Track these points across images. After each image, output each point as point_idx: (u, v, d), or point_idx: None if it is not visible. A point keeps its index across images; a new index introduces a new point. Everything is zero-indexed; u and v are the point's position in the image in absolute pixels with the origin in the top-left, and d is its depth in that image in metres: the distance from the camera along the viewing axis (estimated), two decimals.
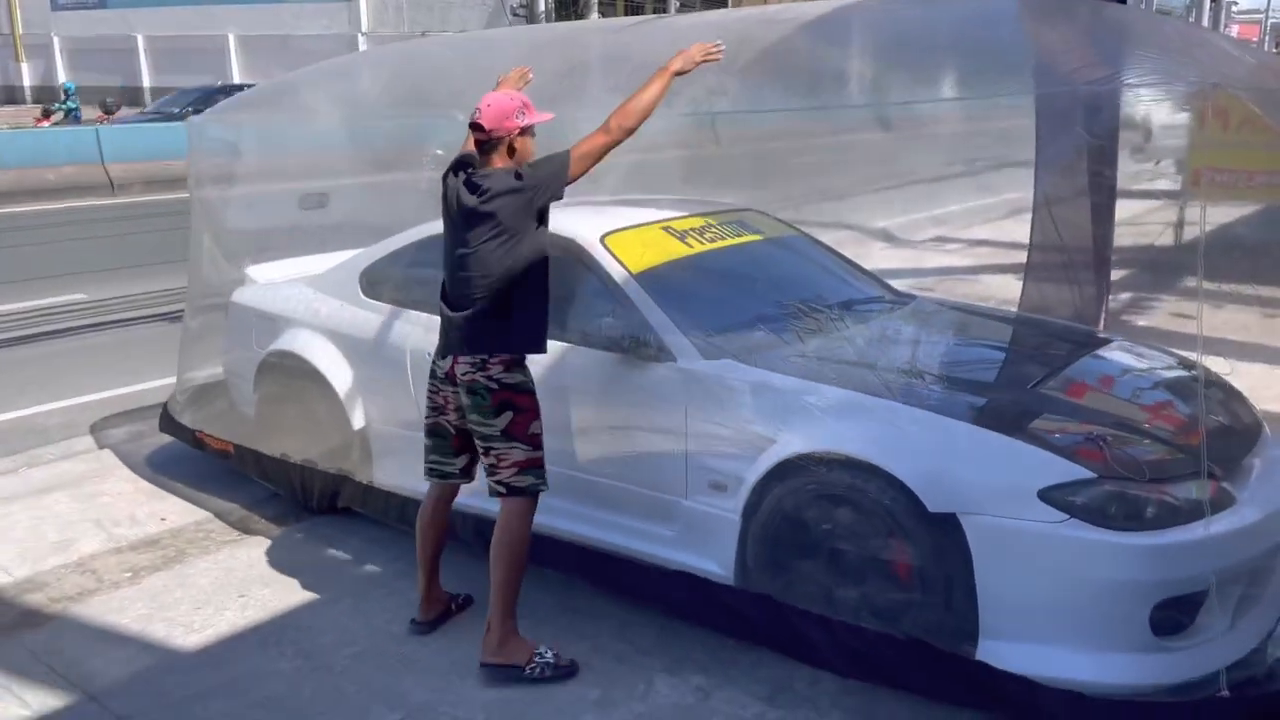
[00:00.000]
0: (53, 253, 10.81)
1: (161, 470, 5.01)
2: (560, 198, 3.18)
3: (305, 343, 4.42)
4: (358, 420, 4.27)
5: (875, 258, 10.77)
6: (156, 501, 4.66)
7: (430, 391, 3.34)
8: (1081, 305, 4.62)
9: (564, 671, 3.18)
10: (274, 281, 4.89)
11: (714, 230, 4.10)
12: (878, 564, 3.01)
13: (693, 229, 4.04)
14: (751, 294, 3.92)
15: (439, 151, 4.27)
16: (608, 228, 3.82)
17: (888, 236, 10.08)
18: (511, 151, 3.15)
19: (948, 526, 2.87)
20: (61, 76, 33.18)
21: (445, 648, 3.37)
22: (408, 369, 4.08)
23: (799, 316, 3.79)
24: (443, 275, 3.30)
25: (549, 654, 3.19)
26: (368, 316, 4.28)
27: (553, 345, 3.41)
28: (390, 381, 4.16)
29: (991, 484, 2.88)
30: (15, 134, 14.97)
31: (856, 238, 10.99)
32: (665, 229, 3.99)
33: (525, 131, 3.16)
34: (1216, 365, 3.69)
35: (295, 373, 4.43)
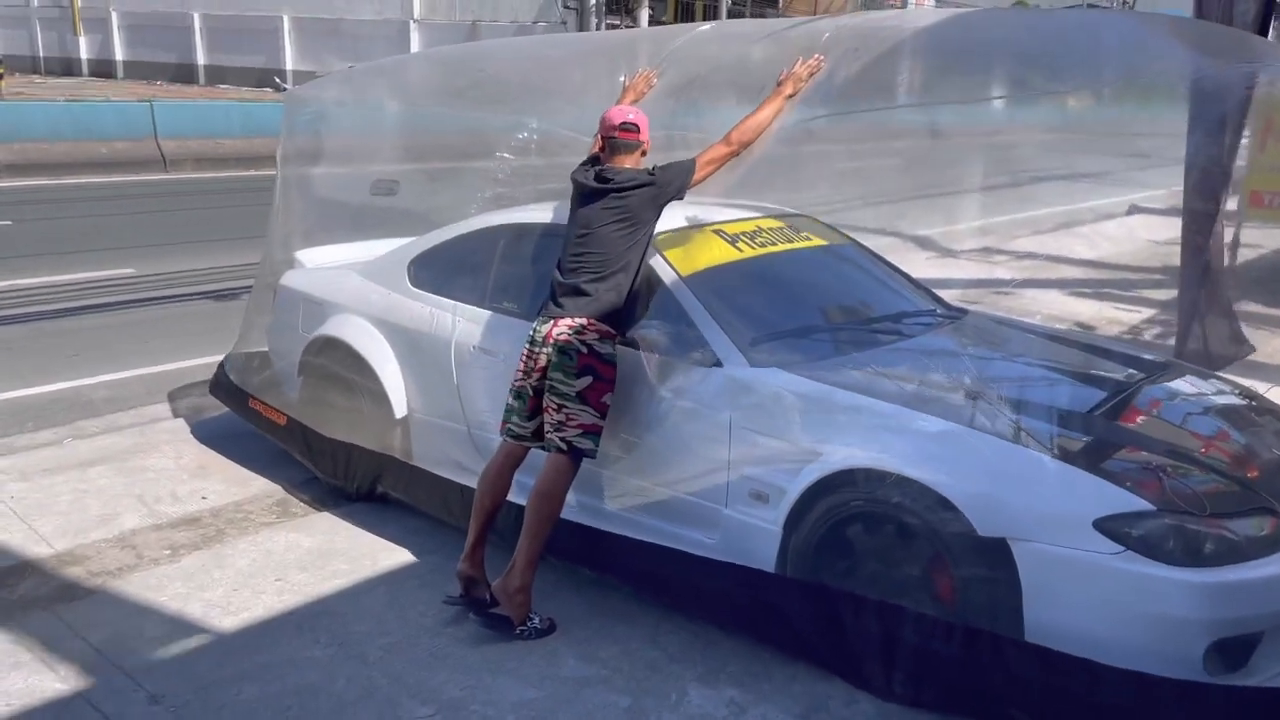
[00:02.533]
0: (104, 226, 10.97)
1: (205, 447, 5.04)
2: (681, 198, 3.55)
3: (352, 329, 4.42)
4: (400, 409, 4.26)
5: (918, 267, 10.66)
6: (198, 479, 4.69)
7: (524, 356, 3.51)
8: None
9: (546, 632, 3.40)
10: (323, 266, 4.91)
11: (766, 235, 4.05)
12: (922, 586, 2.95)
13: (744, 233, 3.99)
14: (802, 302, 3.88)
15: (507, 155, 4.33)
16: (661, 229, 3.78)
17: (931, 245, 9.98)
18: (630, 159, 3.55)
19: (998, 552, 2.80)
20: (118, 52, 33.70)
21: (477, 643, 3.35)
22: (451, 361, 4.08)
23: (849, 327, 3.74)
24: (558, 255, 3.57)
25: (537, 621, 3.39)
26: (414, 306, 4.28)
27: None
28: (434, 372, 4.16)
29: (1045, 511, 2.81)
30: (70, 105, 15.17)
31: (899, 244, 10.89)
32: (717, 232, 3.94)
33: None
34: (1276, 395, 3.60)
35: (340, 358, 4.44)
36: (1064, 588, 2.76)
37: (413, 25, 28.10)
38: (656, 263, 3.67)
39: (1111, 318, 7.96)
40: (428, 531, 4.09)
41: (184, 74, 31.52)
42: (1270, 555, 2.75)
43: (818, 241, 4.27)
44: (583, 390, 3.36)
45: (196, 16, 31.72)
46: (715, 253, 3.83)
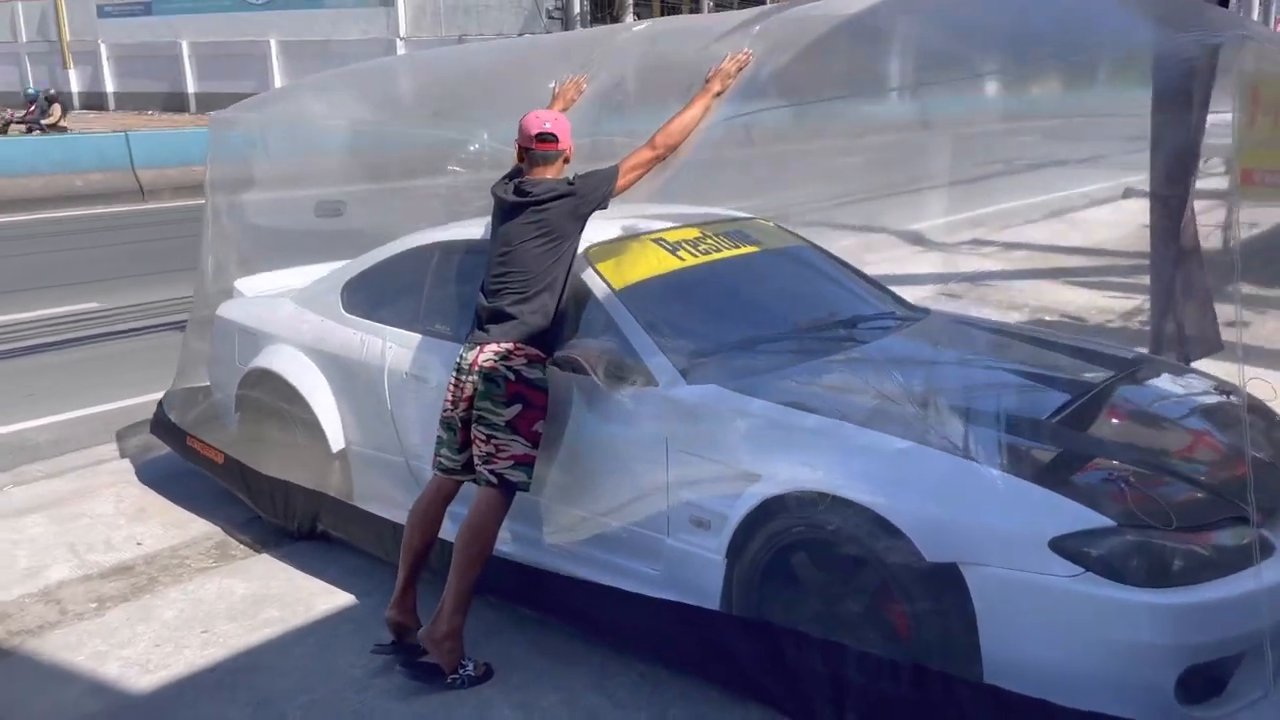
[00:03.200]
0: (72, 260, 10.78)
1: (149, 488, 4.83)
2: (604, 207, 3.33)
3: (285, 360, 4.22)
4: (336, 442, 4.05)
5: (906, 262, 10.41)
6: (137, 524, 4.48)
7: (451, 384, 3.31)
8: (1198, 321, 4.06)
9: (481, 679, 3.17)
10: (260, 295, 4.70)
11: (711, 241, 3.82)
12: (871, 617, 2.71)
13: (687, 240, 3.77)
14: (746, 311, 3.65)
15: (456, 169, 4.14)
16: (593, 239, 3.56)
17: (921, 240, 9.72)
18: (550, 169, 3.34)
19: (949, 579, 2.56)
20: (109, 83, 33.70)
21: (406, 696, 3.13)
22: (385, 389, 3.87)
23: (797, 336, 3.51)
24: (482, 275, 3.38)
25: (471, 668, 3.17)
26: (347, 333, 4.06)
27: None
28: (368, 402, 3.95)
29: (997, 530, 2.57)
30: (44, 141, 15.04)
31: (889, 241, 10.65)
32: (656, 240, 3.72)
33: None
34: (1259, 390, 3.34)
35: (274, 391, 4.23)
36: (1021, 615, 2.52)
37: (399, 43, 27.99)
38: (588, 276, 3.45)
39: (1104, 306, 7.69)
40: (368, 571, 3.87)
41: (175, 102, 31.47)
42: (1246, 569, 2.51)
43: (769, 245, 4.05)
44: (512, 419, 3.15)
45: (184, 44, 31.71)
46: (653, 263, 3.61)
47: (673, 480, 3.09)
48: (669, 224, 3.87)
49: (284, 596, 3.80)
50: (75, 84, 34.15)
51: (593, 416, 3.26)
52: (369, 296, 4.10)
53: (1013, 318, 7.47)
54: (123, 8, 33.08)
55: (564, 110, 3.70)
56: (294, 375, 4.15)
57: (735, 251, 3.84)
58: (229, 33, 30.37)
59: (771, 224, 4.27)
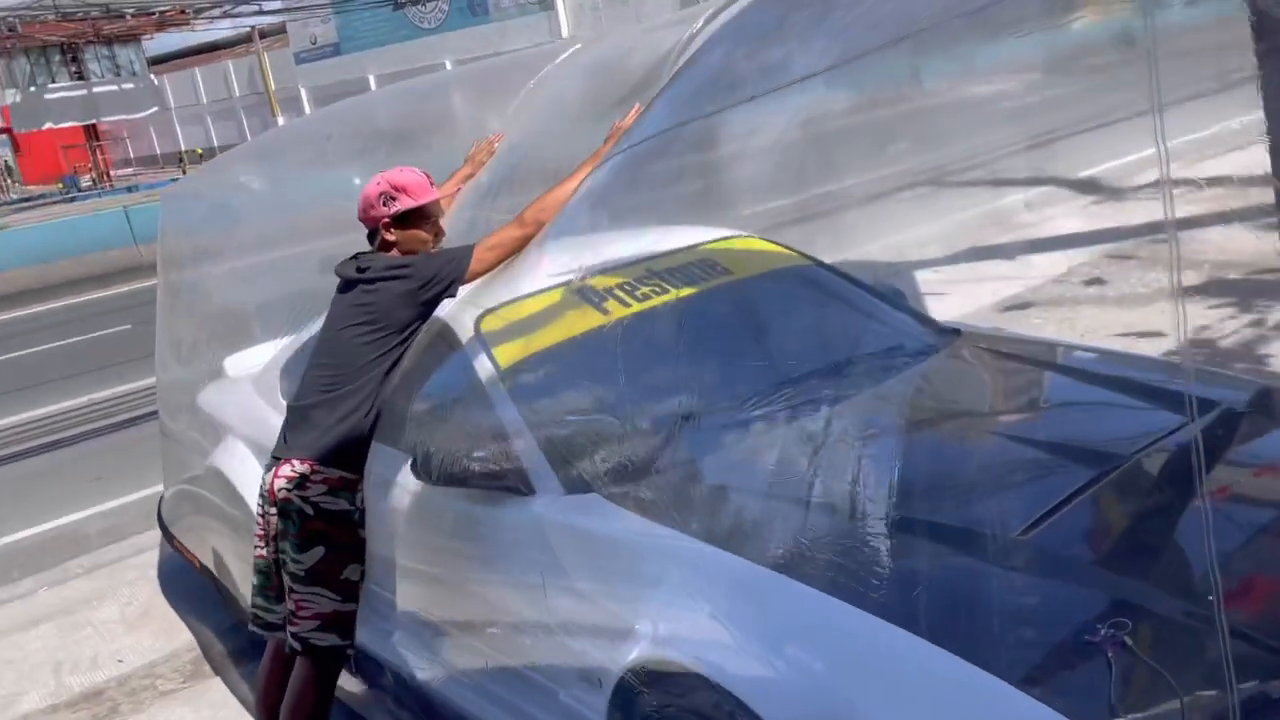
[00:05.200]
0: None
1: (162, 586, 4.61)
2: (453, 295, 2.72)
3: (229, 456, 3.79)
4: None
5: (1070, 221, 8.98)
6: (131, 634, 4.24)
7: (259, 518, 2.75)
8: None
9: None
10: (234, 378, 4.32)
11: (657, 282, 3.03)
12: None
13: (623, 285, 3.00)
14: (680, 375, 2.83)
15: None
16: (490, 303, 2.88)
17: (1094, 187, 8.33)
18: (387, 245, 2.76)
19: None
20: None
21: None
22: None
23: (741, 402, 2.69)
24: None
25: None
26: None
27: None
28: None
29: None
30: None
31: (1054, 194, 9.25)
32: (579, 291, 2.98)
33: (403, 221, 2.75)
34: None
35: (223, 492, 3.82)
36: None
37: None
38: (476, 353, 2.78)
39: None
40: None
41: None
42: None
43: (743, 273, 3.23)
44: (314, 567, 2.56)
45: (371, 79, 33.17)
46: (565, 324, 2.88)
47: (555, 623, 2.38)
48: (612, 263, 3.12)
49: None
50: None
51: (472, 538, 2.60)
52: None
53: (1188, 279, 6.16)
54: (315, 52, 35.07)
55: (468, 177, 3.08)
56: (235, 474, 3.71)
57: (683, 292, 3.03)
58: (408, 61, 31.49)
59: (762, 242, 3.45)
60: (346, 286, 2.70)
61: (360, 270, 2.67)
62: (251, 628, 2.83)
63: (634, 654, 2.11)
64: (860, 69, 2.89)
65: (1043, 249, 7.90)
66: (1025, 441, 2.41)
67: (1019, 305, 6.87)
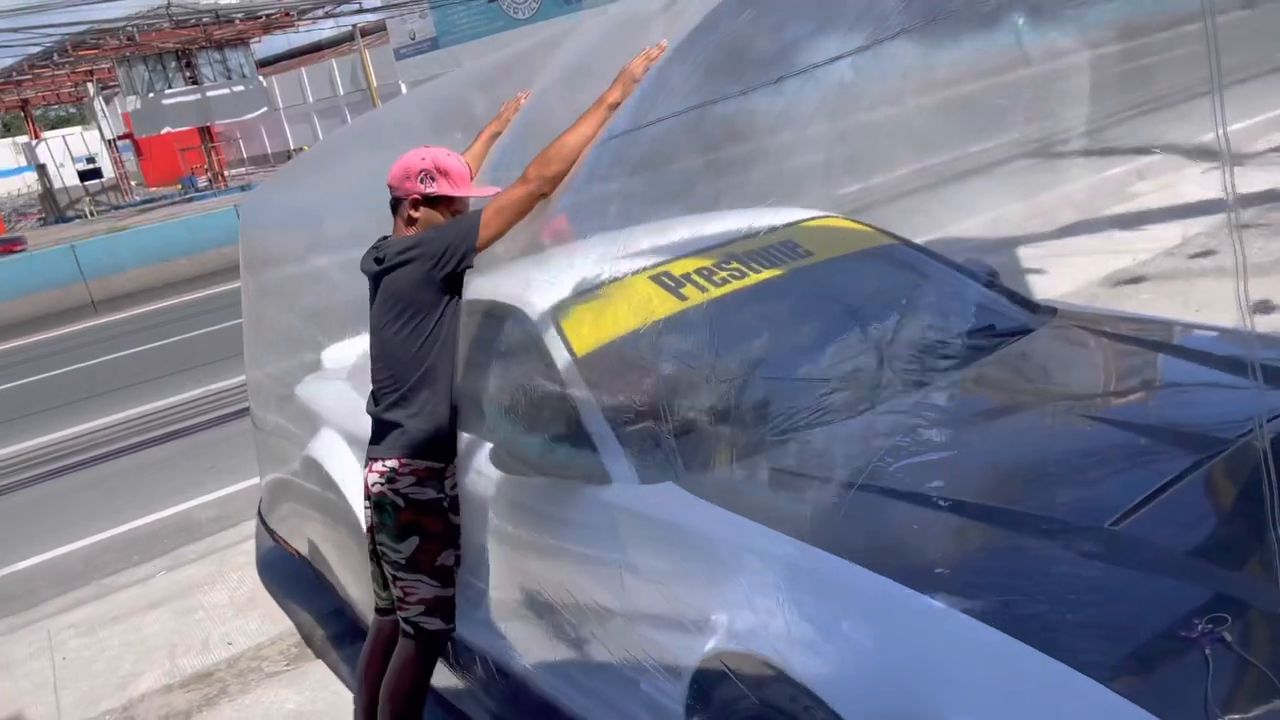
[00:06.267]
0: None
1: (268, 571, 4.77)
2: (470, 266, 2.64)
3: (325, 446, 3.89)
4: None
5: (1186, 189, 8.54)
6: (240, 617, 4.41)
7: (366, 509, 2.80)
8: None
9: None
10: (330, 370, 4.44)
11: (735, 266, 2.98)
12: None
13: (699, 270, 2.96)
14: (764, 359, 2.78)
15: None
16: (563, 291, 2.87)
17: (1209, 154, 7.91)
18: (410, 221, 2.70)
19: None
20: None
21: None
22: None
23: (818, 389, 2.62)
24: None
25: None
26: None
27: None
28: None
29: None
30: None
31: (1168, 162, 8.82)
32: (656, 279, 2.95)
33: (432, 202, 2.69)
34: None
35: (320, 481, 3.92)
36: None
37: None
38: (550, 339, 2.77)
39: None
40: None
41: None
42: None
43: (827, 254, 3.15)
44: (412, 556, 2.61)
45: None
46: (640, 311, 2.84)
47: (633, 613, 2.37)
48: (690, 247, 3.08)
49: (328, 713, 3.50)
50: None
51: (551, 527, 2.60)
52: None
53: None
54: (414, 47, 35.64)
55: (495, 135, 3.06)
56: (331, 465, 3.80)
57: (764, 275, 2.97)
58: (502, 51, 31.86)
59: (845, 221, 3.36)
60: (374, 280, 2.70)
61: (378, 260, 2.66)
62: (373, 613, 2.93)
63: (709, 645, 2.09)
64: (955, 33, 2.76)
65: (1154, 220, 7.54)
66: (1121, 425, 2.28)
67: (1129, 279, 6.55)
